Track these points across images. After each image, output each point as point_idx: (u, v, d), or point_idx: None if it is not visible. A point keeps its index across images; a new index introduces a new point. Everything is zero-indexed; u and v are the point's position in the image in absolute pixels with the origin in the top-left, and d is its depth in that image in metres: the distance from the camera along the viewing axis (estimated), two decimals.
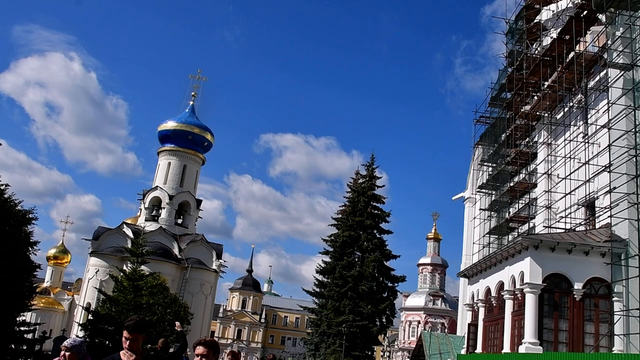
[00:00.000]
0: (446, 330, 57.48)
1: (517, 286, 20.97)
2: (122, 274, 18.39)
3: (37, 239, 22.82)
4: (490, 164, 37.18)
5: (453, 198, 49.66)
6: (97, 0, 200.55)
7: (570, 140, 26.16)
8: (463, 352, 26.70)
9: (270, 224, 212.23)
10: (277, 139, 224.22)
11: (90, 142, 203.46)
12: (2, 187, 21.23)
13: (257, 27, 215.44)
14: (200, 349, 4.64)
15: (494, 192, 35.66)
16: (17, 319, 21.96)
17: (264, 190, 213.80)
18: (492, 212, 34.88)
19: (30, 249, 22.97)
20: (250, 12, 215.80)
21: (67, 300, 69.74)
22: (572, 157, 25.50)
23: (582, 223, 24.35)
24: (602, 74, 24.06)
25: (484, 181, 37.01)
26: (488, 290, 24.54)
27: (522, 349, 18.89)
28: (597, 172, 22.93)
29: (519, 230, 31.47)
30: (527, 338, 19.06)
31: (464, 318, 37.07)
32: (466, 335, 27.30)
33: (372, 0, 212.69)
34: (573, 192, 24.54)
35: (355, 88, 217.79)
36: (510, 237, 31.41)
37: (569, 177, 24.65)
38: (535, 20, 31.93)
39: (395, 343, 74.62)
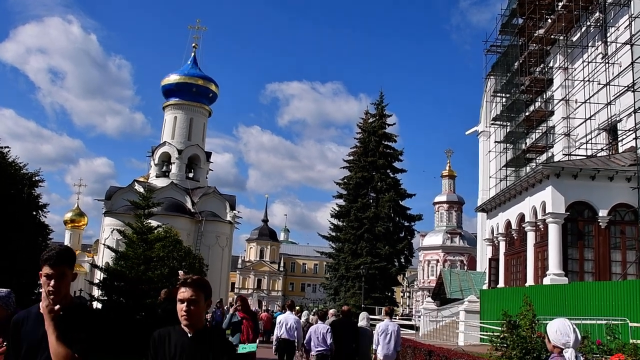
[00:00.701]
0: (465, 268, 57.35)
1: (539, 217, 20.20)
2: (130, 228, 17.92)
3: (45, 202, 22.38)
4: (503, 95, 35.93)
5: (466, 132, 48.59)
6: None
7: (589, 62, 24.83)
8: (485, 287, 26.26)
9: (282, 174, 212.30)
10: (283, 88, 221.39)
11: (97, 105, 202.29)
12: (4, 151, 20.59)
13: None
14: (185, 292, 3.10)
15: (508, 124, 34.54)
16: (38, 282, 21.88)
17: (274, 140, 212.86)
18: (508, 144, 33.90)
19: (40, 212, 22.51)
20: None
21: (87, 262, 70.54)
22: (591, 80, 24.24)
23: (604, 148, 23.33)
24: None
25: (498, 113, 35.86)
26: (508, 224, 23.83)
27: (546, 281, 18.28)
28: (619, 93, 21.74)
29: (537, 160, 30.51)
30: (552, 269, 18.43)
31: (483, 254, 36.66)
32: (487, 271, 26.82)
33: None
34: (593, 117, 23.44)
35: (359, 31, 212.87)
36: (528, 168, 30.48)
37: (588, 101, 23.51)
38: None
39: (415, 283, 75.06)
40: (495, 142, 35.64)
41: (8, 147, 20.75)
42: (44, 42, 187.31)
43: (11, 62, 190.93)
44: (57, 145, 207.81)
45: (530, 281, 20.43)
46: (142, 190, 52.32)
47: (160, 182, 54.99)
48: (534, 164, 30.09)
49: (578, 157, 22.52)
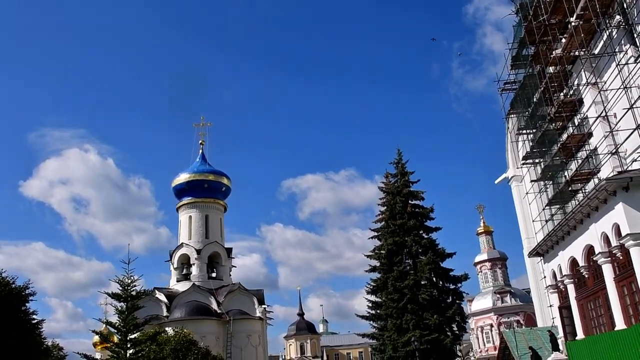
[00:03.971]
0: (523, 327, 52.08)
1: (614, 243, 16.68)
2: (111, 328, 15.01)
3: (41, 318, 19.86)
4: (529, 131, 33.18)
5: (496, 182, 45.60)
6: (97, 90, 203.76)
7: (622, 67, 22.11)
8: (560, 342, 22.16)
9: (312, 266, 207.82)
10: (298, 182, 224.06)
11: (122, 226, 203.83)
12: None
13: (254, 82, 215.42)
14: None
15: (541, 160, 31.57)
16: None
17: (298, 234, 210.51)
18: (546, 181, 30.71)
19: (34, 330, 19.88)
20: (246, 63, 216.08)
21: None
22: (628, 86, 21.47)
23: None
24: None
25: (527, 150, 32.93)
26: (573, 262, 20.23)
27: None
28: None
29: (584, 190, 27.18)
30: None
31: (544, 305, 32.51)
32: (559, 322, 22.76)
33: (352, 26, 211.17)
34: None
35: (361, 117, 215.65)
36: (575, 202, 27.17)
37: (634, 107, 20.55)
38: None
39: (471, 354, 68.93)
40: (532, 181, 32.46)
41: None
42: (65, 174, 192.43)
43: (36, 197, 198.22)
44: (87, 271, 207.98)
45: (620, 324, 16.59)
46: (164, 297, 49.62)
47: (182, 287, 51.91)
48: (581, 196, 26.76)
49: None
